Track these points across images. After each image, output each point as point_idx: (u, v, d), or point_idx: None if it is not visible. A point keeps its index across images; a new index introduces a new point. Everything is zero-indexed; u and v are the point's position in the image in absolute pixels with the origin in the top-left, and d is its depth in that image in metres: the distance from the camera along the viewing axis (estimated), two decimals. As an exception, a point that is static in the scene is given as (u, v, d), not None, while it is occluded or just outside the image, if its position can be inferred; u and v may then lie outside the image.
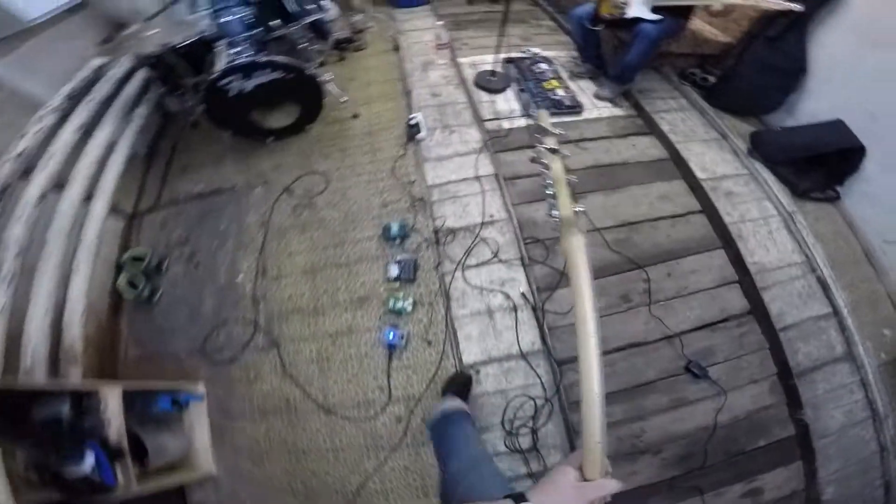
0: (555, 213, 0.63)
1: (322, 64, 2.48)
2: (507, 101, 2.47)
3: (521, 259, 1.80)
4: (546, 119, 0.74)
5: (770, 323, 1.66)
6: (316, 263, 1.88)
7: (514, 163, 2.15)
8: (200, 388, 1.64)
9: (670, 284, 1.77)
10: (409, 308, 1.71)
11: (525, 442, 1.55)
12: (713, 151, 2.21)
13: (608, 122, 2.33)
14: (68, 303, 1.60)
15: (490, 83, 2.51)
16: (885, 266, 1.89)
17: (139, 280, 1.88)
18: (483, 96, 2.50)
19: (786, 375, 1.61)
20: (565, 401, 1.57)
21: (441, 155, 2.20)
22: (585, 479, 0.53)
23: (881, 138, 1.86)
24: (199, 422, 1.61)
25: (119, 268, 1.93)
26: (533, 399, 1.59)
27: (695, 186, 2.01)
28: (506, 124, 2.33)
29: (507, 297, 1.73)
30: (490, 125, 2.32)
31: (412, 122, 2.29)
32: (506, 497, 0.53)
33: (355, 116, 2.44)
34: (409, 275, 1.77)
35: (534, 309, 1.69)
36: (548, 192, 0.65)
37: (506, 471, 1.54)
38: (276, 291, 1.84)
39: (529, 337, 1.66)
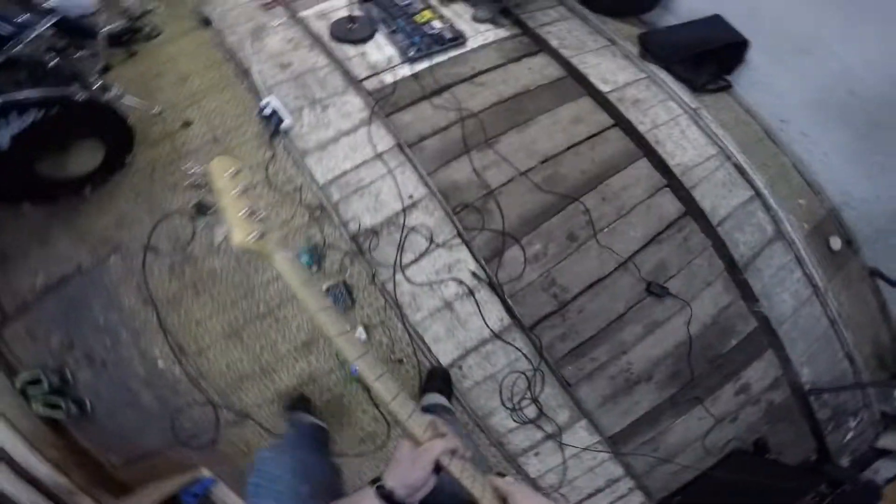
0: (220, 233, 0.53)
1: (106, 69, 1.89)
2: (380, 49, 2.06)
3: (459, 234, 1.65)
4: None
5: (707, 221, 1.74)
6: (234, 323, 1.59)
7: (412, 123, 1.86)
8: (206, 472, 1.55)
9: (608, 208, 1.75)
10: (363, 336, 1.53)
11: (531, 412, 1.59)
12: (607, 60, 2.10)
13: (496, 48, 2.08)
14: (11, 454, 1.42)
15: (351, 33, 2.08)
16: (785, 141, 2.06)
17: (55, 400, 1.58)
18: (348, 50, 2.06)
19: (734, 270, 1.72)
20: (551, 361, 1.57)
21: (322, 140, 1.79)
22: (418, 446, 0.59)
23: (762, 30, 1.95)
24: (228, 498, 1.56)
25: (24, 394, 1.59)
26: (522, 373, 1.58)
27: (602, 102, 1.92)
28: (388, 78, 1.97)
29: (460, 282, 1.60)
30: (369, 84, 1.94)
31: (266, 110, 1.78)
32: (370, 483, 0.58)
33: (187, 125, 1.85)
34: (344, 301, 1.56)
35: (490, 285, 1.59)
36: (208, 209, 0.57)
37: (524, 441, 1.60)
38: (210, 366, 1.59)
39: (495, 314, 1.60)
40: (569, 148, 1.83)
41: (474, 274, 1.60)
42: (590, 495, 1.64)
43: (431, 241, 1.64)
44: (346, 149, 1.79)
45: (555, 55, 2.06)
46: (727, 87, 2.16)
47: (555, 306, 1.61)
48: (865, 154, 1.79)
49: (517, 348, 1.55)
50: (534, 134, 1.85)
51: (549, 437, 1.58)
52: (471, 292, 1.59)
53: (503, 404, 1.57)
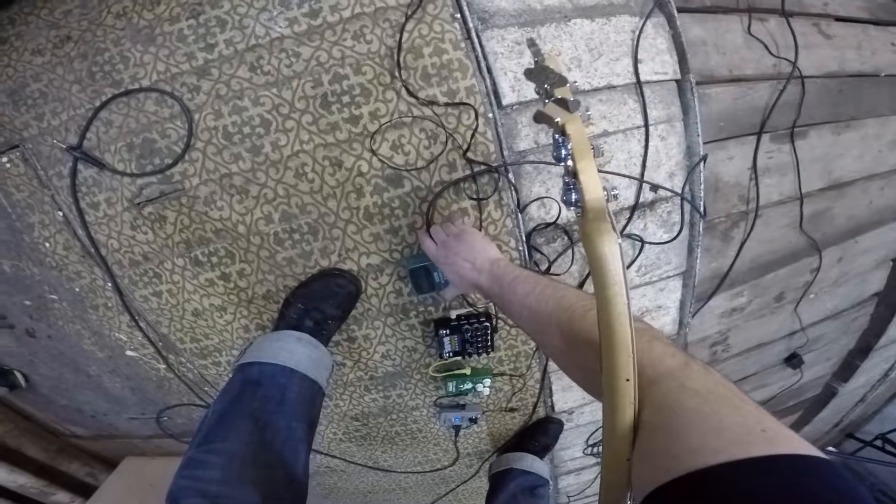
0: (572, 198, 0.39)
1: None
2: None
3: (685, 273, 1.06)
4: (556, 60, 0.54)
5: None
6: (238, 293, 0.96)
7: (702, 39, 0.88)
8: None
9: (833, 273, 1.26)
10: (486, 391, 1.08)
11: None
12: None
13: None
14: None
15: None
16: None
17: None
18: None
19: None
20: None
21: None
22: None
23: None
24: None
25: None
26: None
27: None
28: None
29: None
30: None
31: None
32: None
33: None
34: (480, 345, 1.00)
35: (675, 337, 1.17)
36: (564, 164, 0.40)
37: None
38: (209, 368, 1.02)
39: None
40: (862, 179, 1.13)
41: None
42: None
43: (641, 270, 1.03)
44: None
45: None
46: None
47: (705, 362, 1.32)
48: None
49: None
50: (848, 143, 1.06)
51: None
52: None
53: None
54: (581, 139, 0.39)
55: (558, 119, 0.40)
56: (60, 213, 0.77)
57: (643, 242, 0.97)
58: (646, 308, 1.11)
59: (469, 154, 0.80)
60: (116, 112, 0.69)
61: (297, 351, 0.79)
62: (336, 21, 0.69)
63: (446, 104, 0.77)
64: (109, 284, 0.86)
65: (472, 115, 0.78)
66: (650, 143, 0.89)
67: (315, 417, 0.79)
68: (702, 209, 0.96)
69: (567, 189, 0.40)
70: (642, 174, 0.90)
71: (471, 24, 0.75)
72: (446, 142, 0.80)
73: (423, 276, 0.86)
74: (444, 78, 0.76)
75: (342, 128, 0.76)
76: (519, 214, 0.89)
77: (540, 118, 0.43)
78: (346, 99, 0.74)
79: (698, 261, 1.04)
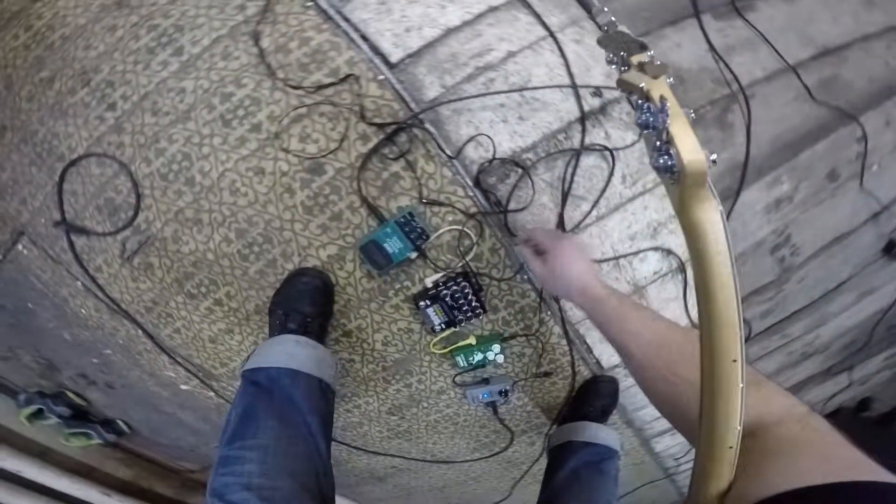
0: (667, 161, 0.33)
1: None
2: None
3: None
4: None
5: None
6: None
7: None
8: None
9: (889, 137, 0.99)
10: (500, 358, 1.01)
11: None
12: None
13: None
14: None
15: None
16: None
17: (79, 430, 1.24)
18: None
19: None
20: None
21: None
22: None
23: None
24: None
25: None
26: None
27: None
28: None
29: (668, 252, 0.96)
30: None
31: None
32: None
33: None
34: (468, 309, 0.94)
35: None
36: (648, 130, 0.35)
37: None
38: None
39: None
40: (857, 41, 0.94)
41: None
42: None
43: (627, 181, 0.89)
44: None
45: None
46: None
47: (776, 274, 1.06)
48: None
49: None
50: (808, 9, 0.90)
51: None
52: (683, 268, 0.99)
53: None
54: (674, 103, 0.36)
55: (642, 85, 0.38)
56: (79, 283, 0.94)
57: (610, 150, 0.83)
58: (658, 221, 0.93)
59: (375, 119, 0.78)
60: (73, 182, 0.82)
61: (297, 353, 0.83)
62: (200, 51, 0.75)
63: (331, 84, 0.77)
64: (140, 332, 1.01)
65: (361, 84, 0.76)
66: (566, 49, 0.77)
67: (327, 413, 0.82)
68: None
69: (660, 154, 0.36)
70: (573, 82, 0.78)
71: (324, 5, 0.74)
72: (348, 118, 0.79)
73: (375, 251, 0.85)
74: (321, 62, 0.77)
75: (249, 138, 0.80)
76: (455, 161, 0.83)
77: (623, 85, 0.41)
78: (240, 112, 0.79)
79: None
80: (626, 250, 0.95)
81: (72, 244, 0.88)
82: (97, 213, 0.87)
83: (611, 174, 0.85)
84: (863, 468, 0.33)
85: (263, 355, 0.82)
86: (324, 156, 0.81)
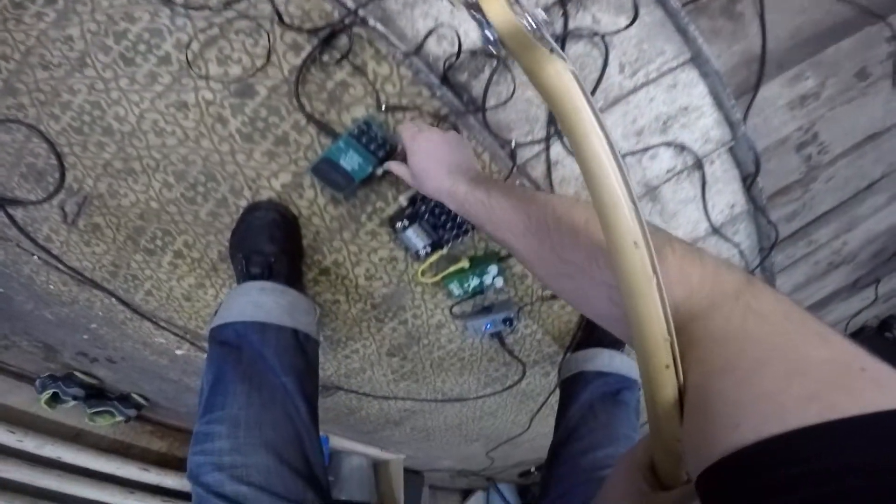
0: (491, 37, 0.35)
1: None
2: None
3: (692, 60, 0.72)
4: None
5: None
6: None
7: None
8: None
9: None
10: (499, 282, 0.89)
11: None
12: None
13: None
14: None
15: None
16: None
17: (101, 409, 1.25)
18: None
19: None
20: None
21: None
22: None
23: None
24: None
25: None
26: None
27: None
28: None
29: (682, 148, 0.81)
30: None
31: None
32: None
33: None
34: (451, 229, 0.82)
35: (730, 151, 0.82)
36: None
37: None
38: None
39: (727, 198, 0.88)
40: None
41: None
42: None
43: (626, 70, 0.72)
44: None
45: None
46: None
47: (801, 173, 0.90)
48: None
49: (735, 244, 0.95)
50: None
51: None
52: (699, 165, 0.83)
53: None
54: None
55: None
56: (35, 258, 0.88)
57: (600, 35, 0.67)
58: (668, 114, 0.77)
59: (306, 26, 0.65)
60: (-13, 154, 0.74)
61: (263, 302, 0.75)
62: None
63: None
64: (113, 300, 0.96)
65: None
66: None
67: (306, 368, 0.73)
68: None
69: (484, 28, 0.34)
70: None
71: None
72: (270, 29, 0.66)
73: (330, 171, 0.73)
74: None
75: (160, 72, 0.69)
76: (414, 58, 0.68)
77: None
78: (141, 48, 0.67)
79: (704, 44, 0.70)
80: (633, 147, 0.80)
81: (11, 218, 0.81)
82: (24, 181, 0.79)
83: (605, 63, 0.69)
84: (855, 382, 0.19)
85: (227, 309, 0.74)
86: (251, 75, 0.69)
